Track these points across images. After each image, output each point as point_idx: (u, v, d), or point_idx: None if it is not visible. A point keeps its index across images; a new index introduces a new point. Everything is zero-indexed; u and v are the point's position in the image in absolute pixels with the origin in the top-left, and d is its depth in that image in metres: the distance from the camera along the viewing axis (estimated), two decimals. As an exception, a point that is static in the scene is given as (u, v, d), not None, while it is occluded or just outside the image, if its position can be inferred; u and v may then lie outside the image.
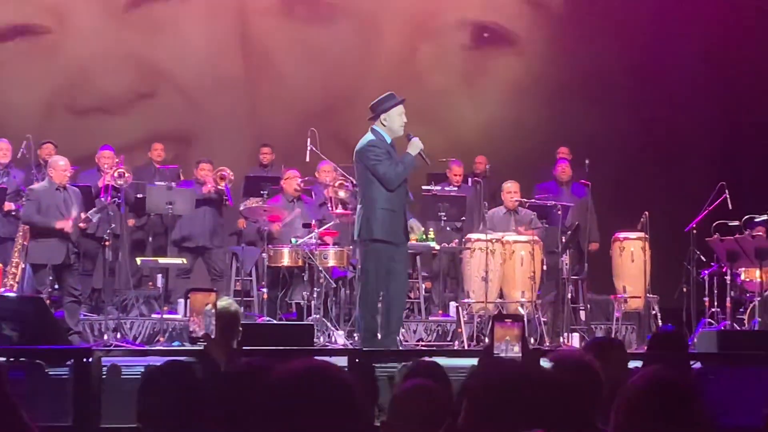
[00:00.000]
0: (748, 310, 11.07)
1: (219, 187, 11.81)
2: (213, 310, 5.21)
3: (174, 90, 14.70)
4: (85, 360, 6.79)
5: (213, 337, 5.20)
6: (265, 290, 10.95)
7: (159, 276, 11.84)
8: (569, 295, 11.42)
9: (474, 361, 4.90)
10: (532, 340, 10.66)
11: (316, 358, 2.78)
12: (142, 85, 14.65)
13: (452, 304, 11.69)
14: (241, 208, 11.87)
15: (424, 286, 12.16)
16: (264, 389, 2.65)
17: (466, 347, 10.39)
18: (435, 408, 3.68)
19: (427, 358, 5.01)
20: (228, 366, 5.23)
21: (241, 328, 6.07)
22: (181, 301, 11.51)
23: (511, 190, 11.79)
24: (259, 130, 14.53)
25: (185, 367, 3.97)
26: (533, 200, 11.86)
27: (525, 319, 10.71)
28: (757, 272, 10.82)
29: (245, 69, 14.95)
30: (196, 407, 3.74)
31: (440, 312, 12.05)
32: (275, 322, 10.22)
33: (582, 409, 3.65)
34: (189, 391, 3.80)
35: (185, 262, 11.59)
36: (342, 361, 7.15)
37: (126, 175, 11.66)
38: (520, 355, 4.09)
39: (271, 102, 14.88)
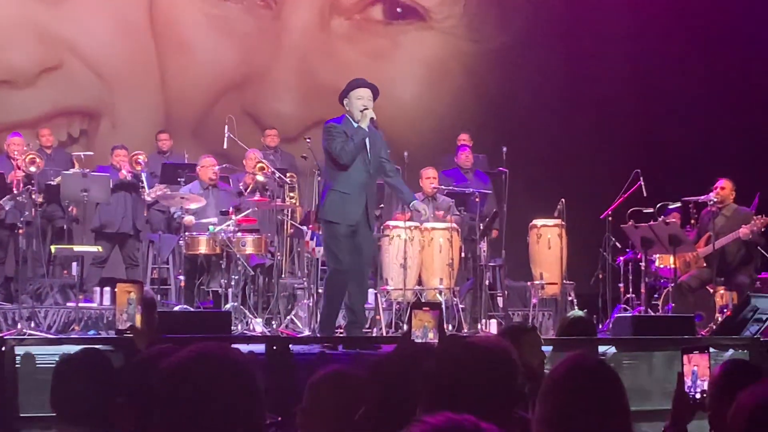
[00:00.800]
0: (663, 296, 11.25)
1: (135, 171, 11.65)
2: (137, 301, 5.17)
3: (81, 63, 14.38)
4: (-2, 349, 6.69)
5: (138, 327, 5.15)
6: (182, 278, 10.85)
7: (74, 264, 11.69)
8: (487, 282, 11.50)
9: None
10: (450, 327, 10.72)
11: (220, 344, 2.72)
12: (48, 57, 14.27)
13: (371, 291, 11.69)
14: (153, 195, 11.67)
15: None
16: (157, 376, 2.61)
17: (384, 334, 10.40)
18: (350, 395, 3.67)
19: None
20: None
21: (157, 316, 6.02)
22: (97, 289, 11.39)
23: (430, 176, 11.82)
24: (168, 107, 14.39)
25: (99, 354, 3.92)
26: (452, 187, 11.90)
27: (443, 305, 10.79)
28: (671, 259, 10.98)
29: (155, 42, 14.73)
30: (111, 395, 3.68)
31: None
32: (192, 309, 10.11)
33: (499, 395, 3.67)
34: (104, 379, 3.75)
35: (101, 250, 11.44)
36: (260, 348, 7.15)
37: (37, 161, 11.49)
38: (436, 341, 4.11)
39: (181, 77, 14.70)
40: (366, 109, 8.60)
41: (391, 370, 3.57)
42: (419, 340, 4.13)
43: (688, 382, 3.72)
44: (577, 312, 7.18)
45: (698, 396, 3.72)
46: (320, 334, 8.74)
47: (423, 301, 10.28)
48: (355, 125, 8.57)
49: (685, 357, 3.75)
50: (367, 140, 8.64)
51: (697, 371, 3.72)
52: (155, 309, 6.05)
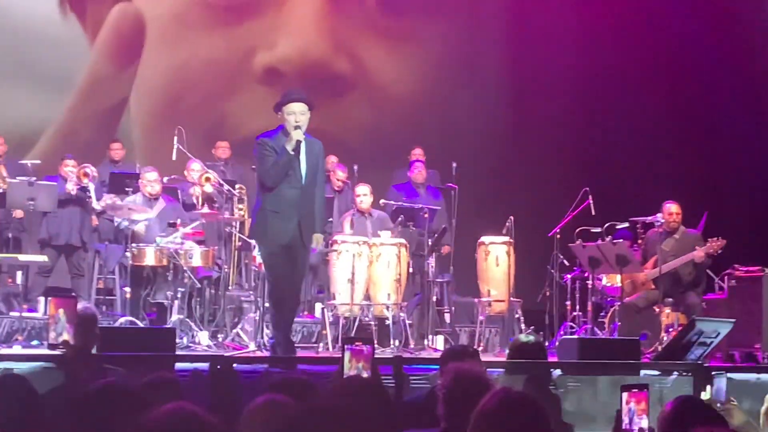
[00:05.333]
0: (609, 315, 11.31)
1: (83, 183, 11.54)
2: (69, 318, 5.12)
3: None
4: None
5: (72, 344, 5.10)
6: (127, 289, 10.75)
7: (19, 273, 11.56)
8: (434, 298, 11.51)
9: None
10: (397, 342, 10.72)
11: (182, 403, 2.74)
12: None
13: (318, 306, 11.67)
14: (102, 205, 11.55)
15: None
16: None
17: (330, 349, 10.37)
18: (286, 424, 3.65)
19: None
20: (86, 376, 5.12)
21: (97, 331, 5.97)
22: (41, 299, 11.27)
23: (359, 193, 11.78)
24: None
25: (18, 380, 3.85)
26: (401, 203, 11.88)
27: (390, 321, 10.79)
28: (618, 278, 11.04)
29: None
30: (34, 421, 3.63)
31: (306, 313, 12.00)
32: (135, 326, 9.98)
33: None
34: (25, 406, 3.68)
35: (46, 259, 11.32)
36: (204, 366, 7.09)
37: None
38: (371, 375, 4.10)
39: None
40: (297, 126, 8.48)
41: (326, 403, 3.56)
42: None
43: (626, 419, 3.73)
44: (529, 337, 7.17)
45: None
46: (274, 336, 8.73)
47: (354, 336, 10.15)
48: (284, 143, 8.48)
49: (624, 394, 3.77)
50: (302, 152, 8.54)
51: (635, 409, 3.73)
52: (95, 324, 5.99)
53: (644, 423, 3.73)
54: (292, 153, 8.45)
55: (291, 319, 8.93)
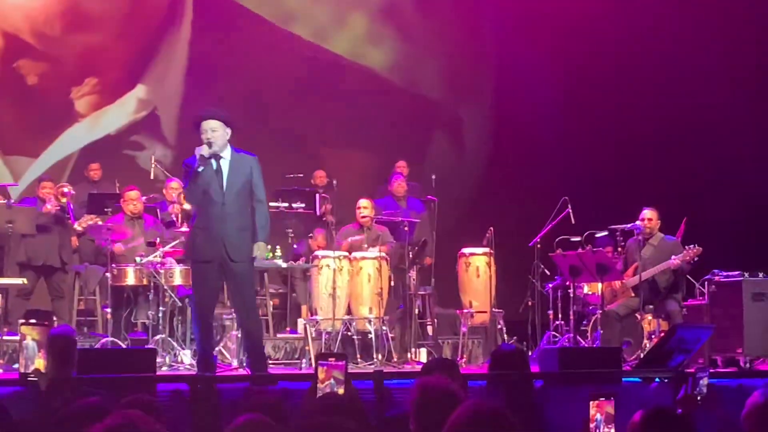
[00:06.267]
0: (591, 323, 11.33)
1: (61, 203, 11.50)
2: (41, 344, 5.10)
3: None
4: None
5: (43, 371, 5.08)
6: (109, 310, 10.71)
7: (-2, 296, 11.51)
8: (417, 311, 11.51)
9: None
10: (380, 356, 10.72)
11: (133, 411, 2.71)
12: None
13: (300, 321, 11.65)
14: (83, 226, 11.52)
15: (271, 303, 12.08)
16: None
17: (313, 364, 10.32)
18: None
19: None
20: (57, 400, 5.10)
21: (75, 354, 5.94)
22: (21, 321, 11.19)
23: (360, 206, 11.77)
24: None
25: None
26: (381, 216, 11.88)
27: (373, 335, 10.79)
28: (599, 286, 11.06)
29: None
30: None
31: (288, 329, 11.98)
32: (116, 347, 9.95)
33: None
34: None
35: (26, 282, 11.25)
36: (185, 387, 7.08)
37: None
38: (344, 392, 4.10)
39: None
40: (208, 142, 8.49)
41: (304, 422, 3.56)
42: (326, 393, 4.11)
43: (592, 427, 3.74)
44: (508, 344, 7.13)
45: None
46: (197, 370, 8.70)
47: (327, 352, 10.14)
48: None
49: (591, 402, 3.77)
50: (226, 170, 8.56)
51: (601, 418, 3.74)
52: (72, 348, 5.96)
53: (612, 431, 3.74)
54: (200, 171, 8.44)
55: (208, 336, 8.83)
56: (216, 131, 8.54)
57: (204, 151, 8.45)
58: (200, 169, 8.42)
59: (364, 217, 11.66)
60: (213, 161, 8.58)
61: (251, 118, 13.58)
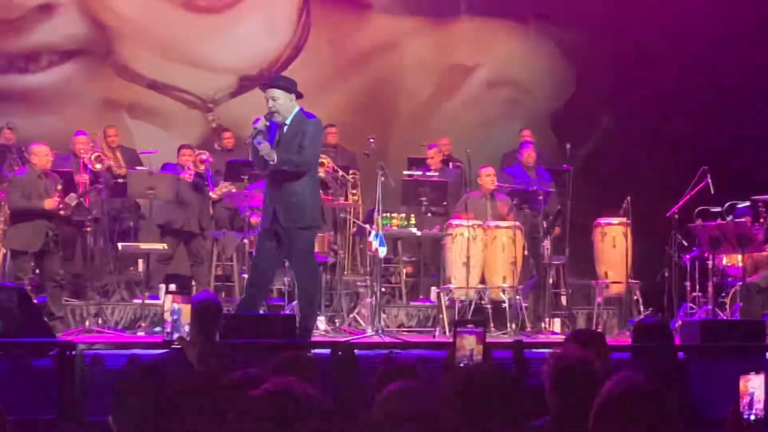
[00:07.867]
0: (730, 295, 11.08)
1: (199, 171, 11.68)
2: (184, 315, 5.19)
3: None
4: (68, 353, 6.74)
5: (187, 338, 5.17)
6: (246, 276, 10.86)
7: (140, 261, 11.78)
8: (550, 280, 11.42)
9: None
10: (513, 326, 10.68)
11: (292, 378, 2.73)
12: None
13: (433, 290, 11.65)
14: (218, 193, 11.70)
15: (405, 271, 12.12)
16: (238, 410, 2.62)
17: (447, 333, 10.36)
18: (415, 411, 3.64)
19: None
20: (201, 366, 5.19)
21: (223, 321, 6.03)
22: (162, 286, 11.47)
23: (490, 173, 11.71)
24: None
25: (152, 368, 3.90)
26: (514, 185, 11.78)
27: (507, 304, 10.75)
28: (739, 257, 10.82)
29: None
30: (166, 410, 3.67)
31: (422, 297, 12.01)
32: (255, 313, 10.10)
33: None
34: (158, 394, 3.72)
35: (166, 247, 11.49)
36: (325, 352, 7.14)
37: (103, 159, 11.68)
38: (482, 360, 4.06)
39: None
40: (270, 111, 8.45)
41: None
42: (463, 364, 4.07)
43: (743, 403, 3.64)
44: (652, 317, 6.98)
45: (753, 418, 3.64)
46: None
47: (465, 319, 10.12)
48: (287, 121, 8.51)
49: (741, 378, 3.67)
50: (282, 134, 8.48)
51: (753, 393, 3.64)
52: (220, 315, 6.04)
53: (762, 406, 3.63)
54: (253, 143, 8.38)
55: (255, 301, 8.79)
56: (277, 99, 8.49)
57: (260, 124, 8.38)
58: (254, 141, 8.35)
59: (488, 185, 11.59)
60: (276, 128, 8.55)
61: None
